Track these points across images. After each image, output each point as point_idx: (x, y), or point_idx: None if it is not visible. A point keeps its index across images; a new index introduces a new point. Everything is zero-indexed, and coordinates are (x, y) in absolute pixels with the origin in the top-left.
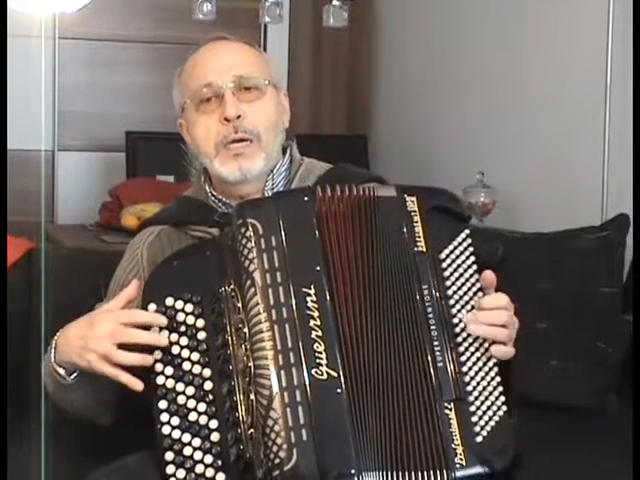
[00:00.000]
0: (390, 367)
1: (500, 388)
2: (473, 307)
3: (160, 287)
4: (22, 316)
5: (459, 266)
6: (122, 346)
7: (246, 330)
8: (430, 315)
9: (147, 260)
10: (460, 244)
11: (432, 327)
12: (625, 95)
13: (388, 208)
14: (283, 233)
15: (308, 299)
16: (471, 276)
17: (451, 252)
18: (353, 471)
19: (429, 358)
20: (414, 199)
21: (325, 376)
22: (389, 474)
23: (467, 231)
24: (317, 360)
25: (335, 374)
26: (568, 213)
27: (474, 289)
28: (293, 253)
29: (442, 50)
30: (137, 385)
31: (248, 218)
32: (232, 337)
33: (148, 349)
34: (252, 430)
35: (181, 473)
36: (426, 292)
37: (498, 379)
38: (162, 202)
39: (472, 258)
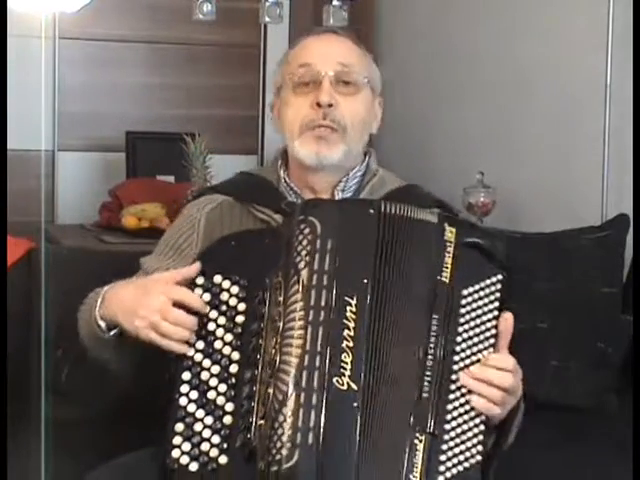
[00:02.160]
0: (390, 389)
1: (480, 437)
2: (480, 351)
3: (212, 263)
4: (22, 316)
5: (479, 308)
6: None
7: (281, 324)
8: (431, 346)
9: (204, 227)
10: (487, 287)
11: (429, 358)
12: (625, 95)
13: (425, 233)
14: (340, 239)
15: (348, 308)
16: (488, 321)
17: (475, 292)
18: None
19: (416, 387)
20: (453, 230)
21: (345, 387)
22: None
23: (500, 277)
24: (341, 369)
25: (355, 387)
26: (568, 213)
27: (487, 334)
28: (345, 260)
29: (442, 50)
30: (185, 349)
31: (310, 216)
32: (267, 327)
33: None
34: (262, 422)
35: (186, 446)
36: (434, 322)
37: (481, 428)
38: (162, 202)
39: (495, 304)
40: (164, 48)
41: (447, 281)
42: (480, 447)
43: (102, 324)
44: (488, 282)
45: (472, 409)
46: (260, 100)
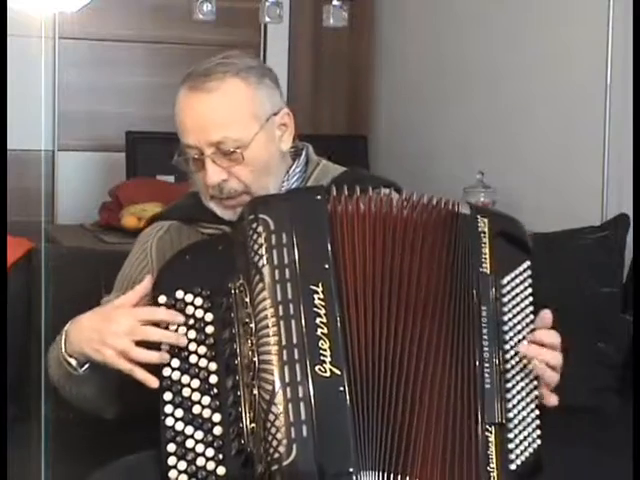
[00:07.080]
0: (419, 374)
1: (537, 422)
2: (525, 337)
3: (171, 279)
4: (22, 316)
5: (517, 295)
6: (137, 342)
7: (253, 325)
8: (485, 337)
9: (156, 254)
10: (521, 274)
11: (485, 349)
12: (625, 95)
13: (462, 224)
14: (294, 230)
15: (315, 296)
16: (527, 307)
17: (512, 280)
18: (351, 469)
19: (477, 377)
20: (486, 220)
21: (328, 373)
22: (388, 476)
23: (529, 262)
24: (321, 357)
25: (339, 372)
26: (568, 213)
27: (527, 320)
28: (303, 250)
29: (442, 50)
30: (152, 382)
31: (260, 214)
32: (239, 331)
33: (158, 345)
34: (253, 425)
35: (182, 465)
36: (484, 313)
37: (537, 411)
38: (162, 202)
39: (530, 290)
40: (164, 48)
41: (488, 272)
42: (539, 431)
43: (72, 361)
44: (521, 269)
45: (527, 395)
46: None
